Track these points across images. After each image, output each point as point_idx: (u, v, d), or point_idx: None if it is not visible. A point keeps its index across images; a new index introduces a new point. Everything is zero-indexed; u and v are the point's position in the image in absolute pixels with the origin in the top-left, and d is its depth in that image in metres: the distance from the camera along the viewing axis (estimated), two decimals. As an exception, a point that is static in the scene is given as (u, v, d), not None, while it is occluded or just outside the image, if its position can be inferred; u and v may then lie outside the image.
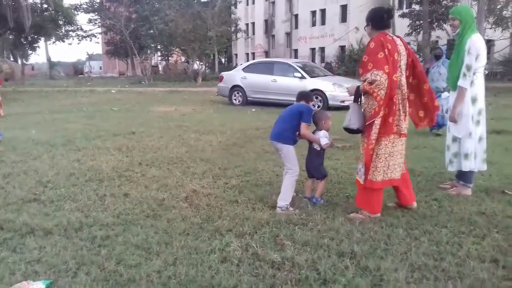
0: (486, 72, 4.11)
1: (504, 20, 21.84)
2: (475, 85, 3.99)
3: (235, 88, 14.78)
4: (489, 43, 27.30)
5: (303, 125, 3.83)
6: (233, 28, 38.70)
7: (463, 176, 4.24)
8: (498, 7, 22.28)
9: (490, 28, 22.41)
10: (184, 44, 33.42)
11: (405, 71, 3.56)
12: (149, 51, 47.20)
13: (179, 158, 5.92)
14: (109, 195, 4.28)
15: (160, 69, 56.48)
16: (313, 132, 4.01)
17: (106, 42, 51.51)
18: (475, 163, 4.08)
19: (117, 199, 4.15)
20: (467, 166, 4.09)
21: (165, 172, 5.21)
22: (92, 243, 3.14)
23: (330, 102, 12.72)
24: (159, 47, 45.42)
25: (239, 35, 41.01)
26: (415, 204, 3.77)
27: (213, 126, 9.19)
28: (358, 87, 3.58)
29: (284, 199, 3.82)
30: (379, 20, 3.56)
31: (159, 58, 57.99)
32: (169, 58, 51.51)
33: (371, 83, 3.35)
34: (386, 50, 3.34)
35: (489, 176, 4.78)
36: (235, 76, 15.05)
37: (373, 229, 3.30)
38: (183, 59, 48.28)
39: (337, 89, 12.84)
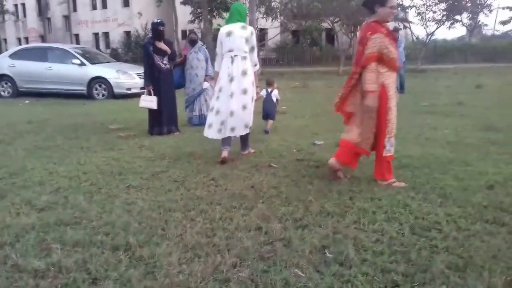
0: (233, 55, 4.94)
1: (273, 10, 24.41)
2: (222, 68, 4.88)
3: (2, 77, 12.94)
4: (262, 32, 30.38)
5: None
6: (-3, 9, 33.58)
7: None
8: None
9: (262, 18, 24.82)
10: None
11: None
12: None
13: None
14: None
15: None
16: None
17: None
18: (209, 132, 4.91)
19: None
20: (207, 134, 4.92)
21: None
22: None
23: (116, 90, 12.26)
24: None
25: (6, 17, 35.84)
26: None
27: (-29, 123, 7.79)
28: None
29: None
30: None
31: None
32: None
33: None
34: None
35: (260, 152, 5.30)
36: (1, 64, 13.07)
37: (151, 216, 3.28)
38: None
39: (121, 76, 12.42)
